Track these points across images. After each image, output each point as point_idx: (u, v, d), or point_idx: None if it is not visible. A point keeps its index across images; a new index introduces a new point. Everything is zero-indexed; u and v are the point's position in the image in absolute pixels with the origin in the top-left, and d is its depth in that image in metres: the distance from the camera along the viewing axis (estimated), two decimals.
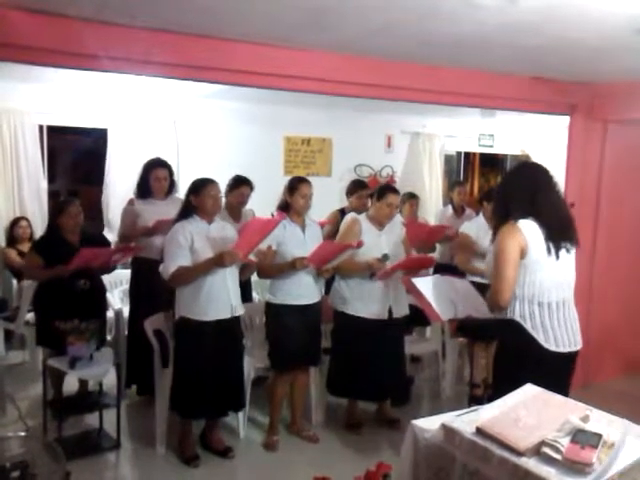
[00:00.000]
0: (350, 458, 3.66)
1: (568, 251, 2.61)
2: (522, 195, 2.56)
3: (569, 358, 2.64)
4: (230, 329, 3.50)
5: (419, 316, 3.83)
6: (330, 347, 4.06)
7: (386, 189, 3.93)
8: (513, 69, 4.12)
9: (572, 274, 2.68)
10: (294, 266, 3.54)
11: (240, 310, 3.54)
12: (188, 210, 3.46)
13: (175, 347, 3.55)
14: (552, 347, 2.55)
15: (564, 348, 2.58)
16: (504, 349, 2.70)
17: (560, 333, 2.57)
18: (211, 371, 3.43)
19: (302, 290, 3.67)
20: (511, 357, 2.61)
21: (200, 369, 3.41)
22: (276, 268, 3.63)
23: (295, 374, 3.85)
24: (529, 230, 2.50)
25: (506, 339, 2.67)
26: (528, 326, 2.55)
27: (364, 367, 3.83)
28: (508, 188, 2.68)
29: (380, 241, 3.83)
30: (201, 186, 3.45)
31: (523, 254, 2.50)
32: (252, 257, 3.50)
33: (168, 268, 3.32)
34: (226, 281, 3.43)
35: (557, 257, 2.54)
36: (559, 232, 2.56)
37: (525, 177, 2.63)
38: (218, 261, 3.28)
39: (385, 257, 3.70)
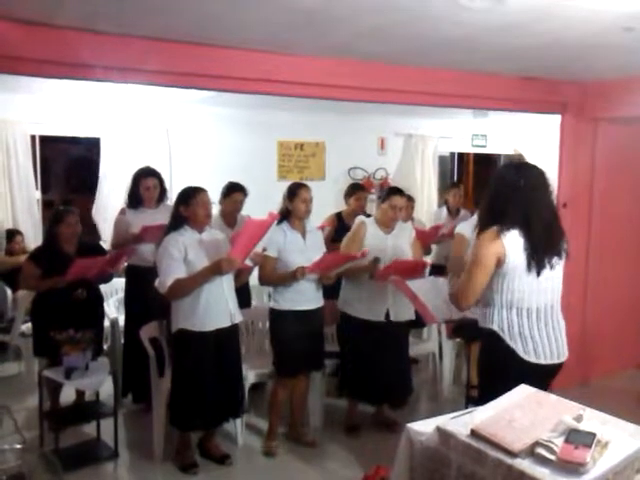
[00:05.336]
0: (349, 462, 3.65)
1: (552, 267, 2.47)
2: (515, 206, 2.40)
3: (549, 370, 2.52)
4: (230, 337, 3.45)
5: (415, 318, 3.84)
6: (334, 350, 4.08)
7: (390, 191, 3.93)
8: (504, 69, 4.13)
9: (557, 282, 2.55)
10: (295, 276, 3.52)
11: (239, 317, 3.50)
12: (178, 221, 3.36)
13: (174, 360, 3.47)
14: (532, 359, 2.45)
15: (545, 360, 2.48)
16: (485, 358, 2.62)
17: (541, 344, 2.47)
18: (212, 382, 3.37)
19: (304, 296, 3.65)
20: (491, 368, 2.55)
21: (201, 382, 3.35)
22: (277, 277, 3.61)
23: (296, 379, 3.84)
24: (511, 241, 2.39)
25: (487, 349, 2.59)
26: (506, 337, 2.45)
27: (366, 369, 3.83)
28: (500, 196, 2.47)
29: (386, 245, 3.82)
30: (191, 195, 3.34)
31: (500, 263, 2.40)
32: (248, 262, 3.46)
33: (165, 282, 3.22)
34: (223, 289, 3.37)
35: (538, 274, 2.43)
36: (544, 250, 2.43)
37: (518, 186, 2.42)
38: (216, 269, 3.21)
39: (376, 260, 3.70)
